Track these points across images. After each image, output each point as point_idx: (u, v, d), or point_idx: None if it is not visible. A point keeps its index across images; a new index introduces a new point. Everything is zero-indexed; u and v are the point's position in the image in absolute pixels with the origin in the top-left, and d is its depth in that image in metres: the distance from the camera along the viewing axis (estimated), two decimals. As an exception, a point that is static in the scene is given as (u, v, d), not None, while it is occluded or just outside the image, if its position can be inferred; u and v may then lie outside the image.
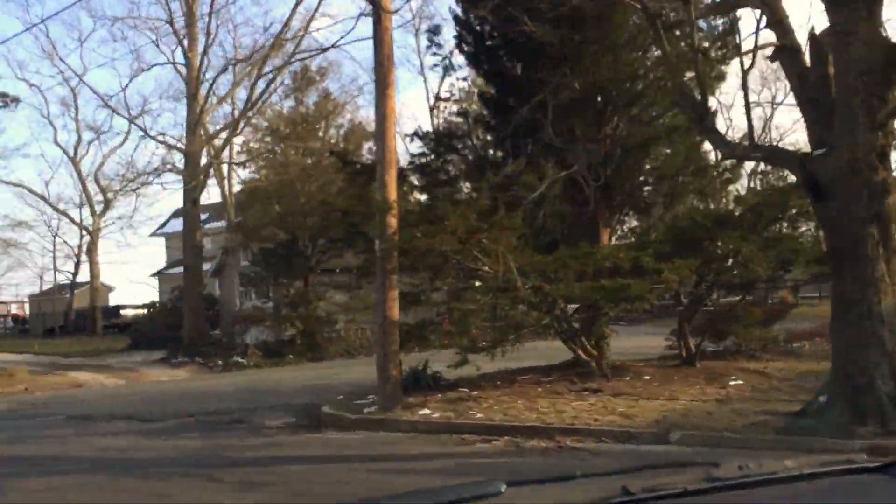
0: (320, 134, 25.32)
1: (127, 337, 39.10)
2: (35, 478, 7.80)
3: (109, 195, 42.98)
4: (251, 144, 26.20)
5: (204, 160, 26.55)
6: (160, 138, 26.17)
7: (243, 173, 34.64)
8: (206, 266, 53.96)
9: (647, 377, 11.94)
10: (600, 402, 9.97)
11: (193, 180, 24.81)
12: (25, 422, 13.85)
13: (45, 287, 48.94)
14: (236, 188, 37.91)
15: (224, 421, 11.98)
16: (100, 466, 8.24)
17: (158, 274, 58.95)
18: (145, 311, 47.85)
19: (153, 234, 60.30)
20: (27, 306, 53.89)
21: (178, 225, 60.00)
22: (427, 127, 23.73)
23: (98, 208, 43.53)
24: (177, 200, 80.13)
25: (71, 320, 43.88)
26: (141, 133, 30.06)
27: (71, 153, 43.20)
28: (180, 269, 57.17)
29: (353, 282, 26.74)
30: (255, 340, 24.40)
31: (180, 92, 30.85)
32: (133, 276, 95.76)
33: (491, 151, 14.24)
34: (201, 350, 24.34)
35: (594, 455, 7.83)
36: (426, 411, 10.19)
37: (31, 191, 41.51)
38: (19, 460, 8.97)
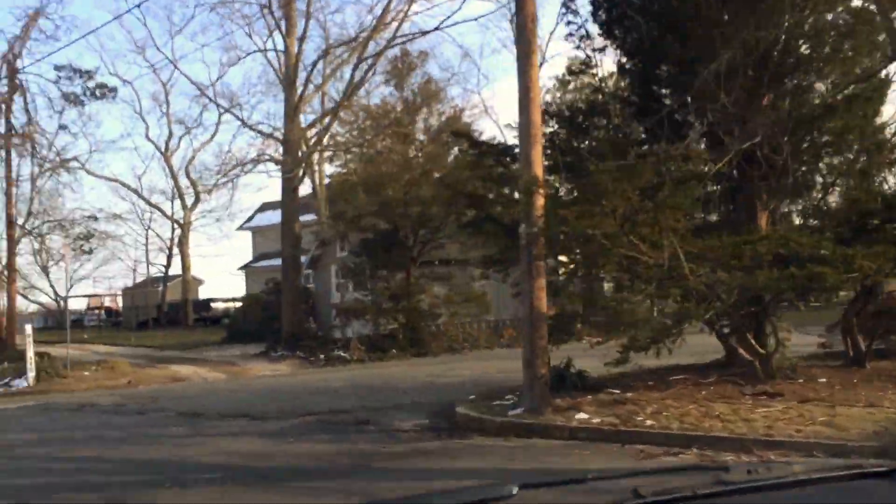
0: (421, 120, 24.34)
1: (220, 330, 39.31)
2: (167, 489, 6.92)
3: (200, 189, 43.24)
4: (345, 134, 25.41)
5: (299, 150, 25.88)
6: (258, 127, 25.48)
7: (330, 167, 34.17)
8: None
9: (823, 380, 10.46)
10: (792, 410, 8.57)
11: (293, 169, 24.16)
12: (136, 419, 13.24)
13: (138, 280, 49.61)
14: (327, 180, 37.54)
15: (349, 421, 11.05)
16: (232, 476, 7.35)
17: (245, 268, 59.42)
18: (237, 304, 48.23)
19: (240, 228, 60.85)
20: (120, 299, 54.89)
21: (264, 219, 60.48)
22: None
23: (189, 202, 43.91)
24: (263, 195, 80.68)
25: (163, 313, 44.31)
26: (237, 123, 29.61)
27: (162, 148, 43.66)
28: (267, 263, 57.57)
29: (475, 271, 25.85)
30: (355, 334, 23.61)
31: (272, 84, 30.50)
32: (222, 269, 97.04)
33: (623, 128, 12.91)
34: (301, 344, 23.70)
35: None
36: (583, 416, 8.98)
37: (124, 185, 42.01)
38: (145, 466, 8.17)
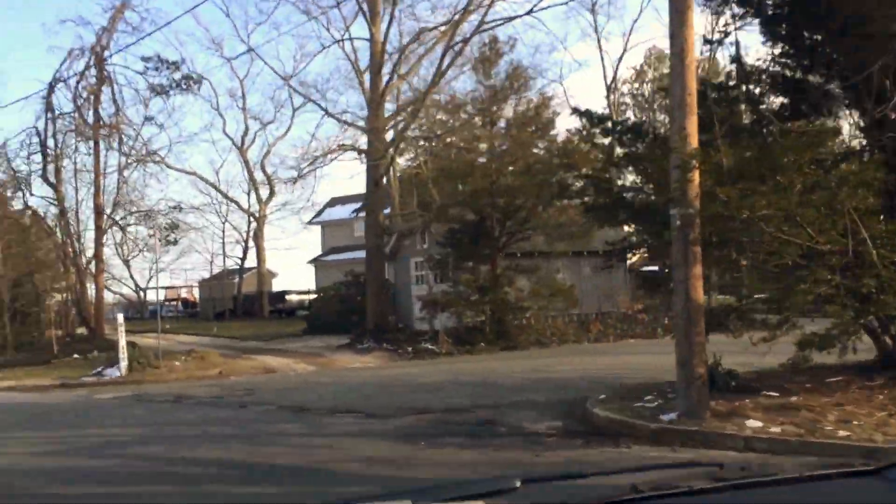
0: (509, 108, 23.37)
1: (296, 321, 39.09)
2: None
3: (278, 180, 43.13)
4: (429, 124, 24.55)
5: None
6: (342, 117, 24.85)
7: (402, 160, 33.44)
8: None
9: None
10: None
11: (377, 159, 23.48)
12: (239, 413, 12.66)
13: (215, 272, 49.90)
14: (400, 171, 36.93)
15: (471, 421, 10.21)
16: (392, 492, 6.50)
17: (315, 261, 59.45)
18: (311, 296, 48.10)
19: (309, 223, 60.90)
20: (195, 290, 55.44)
21: (333, 214, 60.40)
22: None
23: (264, 195, 43.84)
24: (333, 189, 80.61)
25: (239, 304, 44.41)
26: (314, 117, 29.10)
27: (238, 142, 43.65)
28: (336, 257, 57.43)
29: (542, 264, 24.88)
30: (441, 327, 22.83)
31: (346, 77, 29.90)
32: (294, 262, 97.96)
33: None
34: (386, 336, 23.03)
35: None
36: (755, 423, 7.92)
37: (202, 178, 42.10)
38: (281, 474, 7.40)
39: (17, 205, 29.24)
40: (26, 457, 8.79)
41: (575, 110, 12.43)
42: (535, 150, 23.29)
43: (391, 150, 23.31)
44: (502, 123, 23.82)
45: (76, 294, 26.13)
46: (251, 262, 46.67)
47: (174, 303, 55.13)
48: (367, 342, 22.88)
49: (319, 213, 59.96)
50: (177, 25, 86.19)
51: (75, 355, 24.19)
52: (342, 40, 25.51)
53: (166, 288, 54.32)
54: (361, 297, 28.72)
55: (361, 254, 55.20)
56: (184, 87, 26.29)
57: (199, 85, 27.71)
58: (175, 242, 31.07)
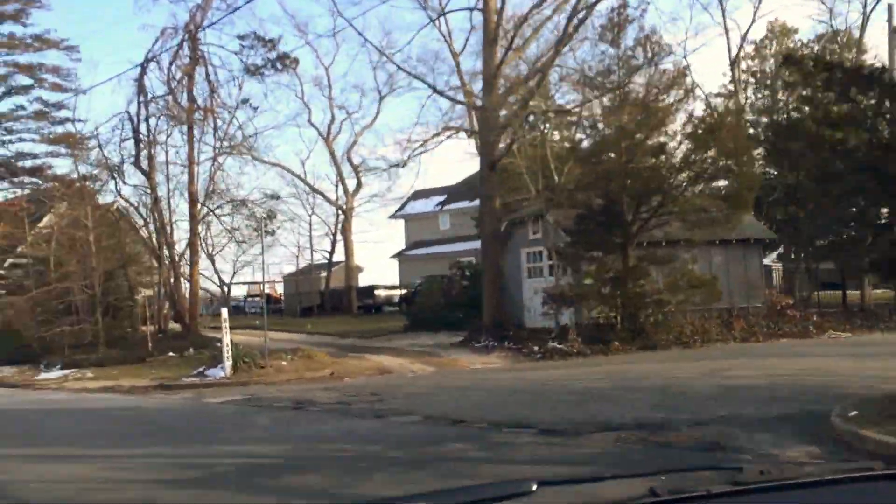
0: (643, 79, 20.89)
1: (386, 317, 37.39)
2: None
3: (364, 170, 41.56)
4: (547, 100, 22.28)
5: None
6: (453, 95, 22.70)
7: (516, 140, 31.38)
8: (458, 246, 51.69)
9: None
10: None
11: (493, 139, 21.37)
12: (378, 424, 10.73)
13: (301, 266, 48.50)
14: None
15: (685, 443, 8.15)
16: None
17: (399, 256, 57.76)
18: (402, 291, 46.32)
19: (392, 217, 59.27)
20: (278, 286, 54.37)
21: (417, 207, 58.62)
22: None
23: (351, 186, 42.21)
24: (417, 181, 78.93)
25: (326, 300, 42.93)
26: (412, 97, 27.12)
27: (324, 132, 42.12)
28: (421, 252, 55.69)
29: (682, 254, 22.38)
30: (566, 323, 20.58)
31: (440, 58, 27.90)
32: (379, 256, 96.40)
33: None
34: (505, 333, 20.89)
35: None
36: None
37: (288, 170, 40.58)
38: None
39: (109, 195, 28.16)
40: (160, 488, 6.93)
41: (787, 59, 9.98)
42: (672, 127, 20.78)
43: (511, 129, 21.09)
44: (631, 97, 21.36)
45: (169, 288, 24.74)
46: (338, 256, 45.14)
47: (257, 298, 54.18)
48: (486, 340, 20.78)
49: (402, 206, 58.23)
50: (263, 13, 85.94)
51: (171, 353, 22.77)
52: (445, 13, 23.41)
53: (249, 283, 53.48)
54: (467, 291, 26.72)
55: (446, 248, 53.77)
56: (279, 67, 24.68)
57: (296, 65, 26.09)
58: (273, 233, 29.49)
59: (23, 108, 37.10)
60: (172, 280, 24.77)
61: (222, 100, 24.08)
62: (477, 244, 50.15)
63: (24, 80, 36.71)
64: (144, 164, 24.36)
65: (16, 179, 37.43)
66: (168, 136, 24.19)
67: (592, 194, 21.06)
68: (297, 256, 45.33)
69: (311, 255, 45.90)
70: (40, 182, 36.77)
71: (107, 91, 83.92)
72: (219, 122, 24.18)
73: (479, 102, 22.10)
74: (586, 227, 20.93)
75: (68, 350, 23.25)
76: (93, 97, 72.81)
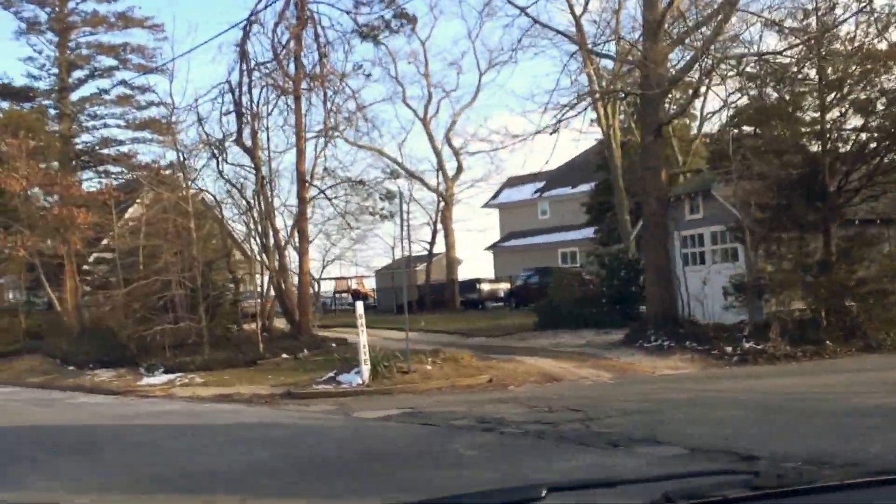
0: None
1: (492, 313, 34.20)
2: None
3: (464, 152, 38.44)
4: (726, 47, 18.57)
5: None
6: (602, 51, 19.19)
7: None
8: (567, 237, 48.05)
9: None
10: None
11: (657, 99, 17.88)
12: (646, 464, 7.44)
13: (396, 259, 45.41)
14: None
15: None
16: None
17: (494, 247, 54.42)
18: (505, 285, 43.04)
19: (485, 206, 55.95)
20: (368, 281, 51.66)
21: (512, 195, 55.11)
22: None
23: (451, 172, 39.04)
24: (511, 169, 75.52)
25: (427, 294, 39.85)
26: (498, 86, 23.65)
27: (421, 113, 39.07)
28: (517, 242, 52.15)
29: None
30: (764, 318, 16.95)
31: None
32: (471, 247, 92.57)
33: None
34: (678, 330, 17.39)
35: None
36: None
37: (384, 153, 37.48)
38: None
39: (209, 176, 25.63)
40: None
41: None
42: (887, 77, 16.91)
43: (695, 83, 17.52)
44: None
45: (277, 281, 21.98)
46: (437, 247, 41.98)
47: (344, 295, 51.64)
48: (656, 339, 17.31)
49: (496, 194, 54.87)
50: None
51: (283, 355, 19.99)
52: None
53: (335, 279, 50.85)
54: (610, 284, 23.31)
55: (546, 238, 50.11)
56: (394, 28, 21.71)
57: (414, 24, 23.03)
58: (391, 216, 26.45)
59: (106, 91, 35.20)
60: (280, 272, 21.95)
61: (333, 66, 21.16)
62: (581, 234, 46.77)
63: (107, 61, 34.80)
64: (248, 140, 21.56)
65: (100, 168, 35.55)
66: (273, 108, 21.33)
67: (783, 162, 17.37)
68: (393, 248, 42.29)
69: (409, 246, 42.59)
70: (125, 170, 34.78)
71: (205, 61, 79.83)
72: (329, 92, 21.22)
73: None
74: (778, 202, 17.28)
75: (169, 352, 20.68)
76: (191, 66, 68.85)
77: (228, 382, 17.35)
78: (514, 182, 54.15)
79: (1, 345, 29.90)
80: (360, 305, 15.32)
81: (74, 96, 34.58)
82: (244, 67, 20.62)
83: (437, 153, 38.87)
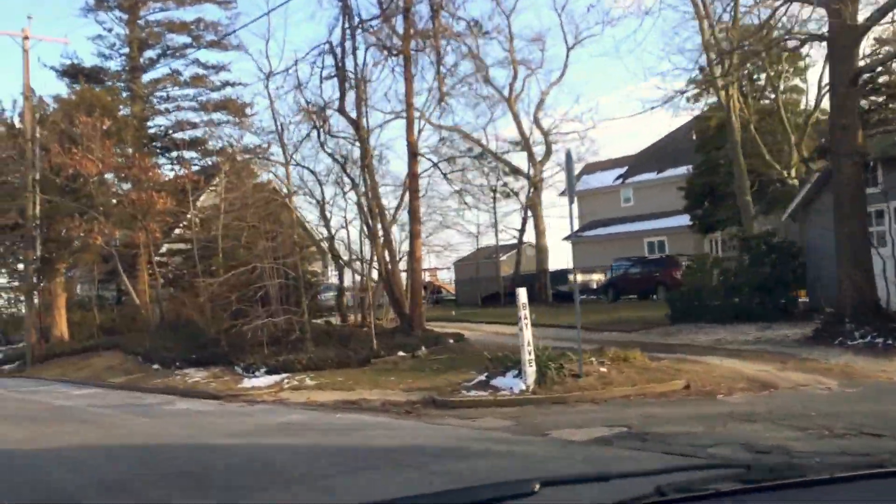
0: None
1: (596, 306, 31.29)
2: None
3: (551, 138, 35.45)
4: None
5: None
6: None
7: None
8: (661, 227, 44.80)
9: None
10: None
11: (850, 44, 14.80)
12: None
13: (479, 248, 42.61)
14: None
15: None
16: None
17: (573, 237, 51.35)
18: (599, 276, 40.18)
19: (563, 194, 52.86)
20: (443, 273, 49.03)
21: (591, 181, 51.85)
22: None
23: (539, 155, 36.05)
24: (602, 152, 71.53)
25: (517, 286, 36.90)
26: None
27: (505, 92, 36.09)
28: (599, 232, 48.86)
29: None
30: None
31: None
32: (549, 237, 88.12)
33: None
34: (892, 325, 14.29)
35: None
36: None
37: (467, 135, 34.50)
38: None
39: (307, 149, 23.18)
40: None
41: None
42: None
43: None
44: None
45: (385, 269, 19.41)
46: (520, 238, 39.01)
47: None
48: (865, 334, 14.25)
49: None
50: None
51: (400, 353, 17.42)
52: None
53: (404, 271, 48.25)
54: (759, 271, 20.25)
55: (629, 227, 46.80)
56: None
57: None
58: (515, 194, 23.64)
59: (179, 72, 33.09)
60: (389, 259, 19.38)
61: (447, 22, 18.46)
62: (670, 221, 43.46)
63: (180, 39, 32.67)
64: (352, 110, 18.93)
65: (173, 154, 33.43)
66: (381, 71, 18.70)
67: None
68: (477, 237, 39.52)
69: (496, 235, 39.72)
70: (198, 156, 32.69)
71: (303, 17, 75.94)
72: (443, 54, 18.52)
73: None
74: None
75: (267, 349, 18.27)
76: (287, 25, 64.44)
77: (346, 385, 14.84)
78: (592, 168, 50.97)
79: (75, 341, 28.01)
80: (522, 293, 12.54)
81: (146, 78, 32.59)
82: (347, 25, 18.03)
83: (524, 135, 35.89)
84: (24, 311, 40.19)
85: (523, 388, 11.91)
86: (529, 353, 11.97)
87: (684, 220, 40.00)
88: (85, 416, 13.41)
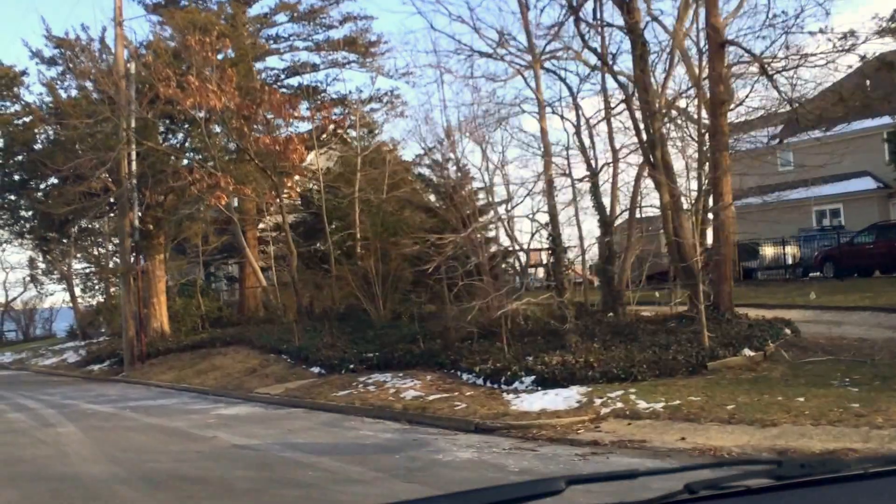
0: None
1: (799, 286, 24.65)
2: None
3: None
4: None
5: None
6: None
7: None
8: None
9: None
10: None
11: None
12: None
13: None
14: None
15: None
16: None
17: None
18: (793, 248, 33.56)
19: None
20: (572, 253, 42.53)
21: (739, 143, 44.94)
22: None
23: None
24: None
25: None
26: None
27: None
28: (751, 200, 41.89)
29: None
30: None
31: None
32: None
33: None
34: None
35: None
36: None
37: (628, 77, 27.85)
38: None
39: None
40: None
41: None
42: None
43: None
44: None
45: (672, 228, 13.16)
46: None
47: (532, 270, 42.79)
48: None
49: (716, 144, 44.93)
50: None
51: (746, 351, 11.02)
52: None
53: (525, 250, 42.01)
54: None
55: (790, 194, 39.82)
56: None
57: None
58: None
59: (288, 5, 27.04)
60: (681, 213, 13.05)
61: None
62: (844, 186, 36.76)
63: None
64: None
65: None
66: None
67: None
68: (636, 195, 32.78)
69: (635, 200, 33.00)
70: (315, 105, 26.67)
71: None
72: None
73: None
74: None
75: (509, 348, 12.12)
76: None
77: (696, 410, 8.55)
78: (739, 128, 44.07)
79: (181, 334, 22.29)
80: None
81: (251, 13, 26.61)
82: None
83: (696, 78, 29.14)
84: (100, 299, 34.93)
85: None
86: None
87: (864, 183, 33.83)
88: (308, 480, 7.20)
